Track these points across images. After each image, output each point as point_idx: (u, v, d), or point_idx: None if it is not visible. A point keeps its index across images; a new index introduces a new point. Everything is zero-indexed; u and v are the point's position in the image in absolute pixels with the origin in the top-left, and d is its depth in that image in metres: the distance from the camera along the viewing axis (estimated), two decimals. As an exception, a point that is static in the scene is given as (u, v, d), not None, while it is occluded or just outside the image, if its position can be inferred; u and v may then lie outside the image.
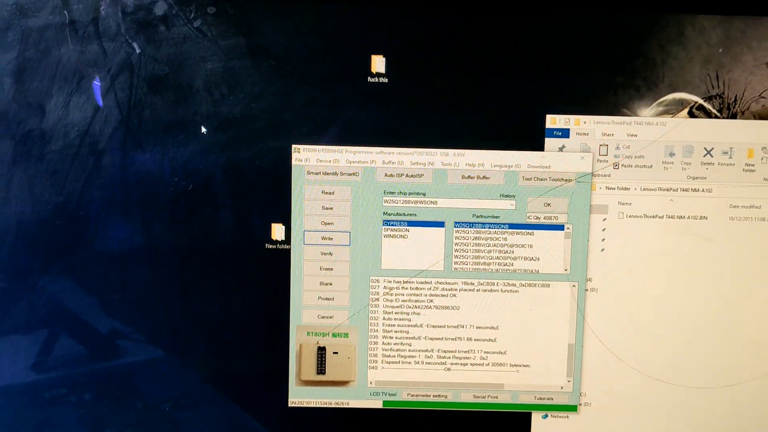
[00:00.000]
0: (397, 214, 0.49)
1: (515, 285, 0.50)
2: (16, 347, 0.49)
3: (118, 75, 0.47)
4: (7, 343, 0.49)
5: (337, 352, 0.50)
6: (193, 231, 0.48)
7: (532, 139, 0.48)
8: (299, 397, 0.50)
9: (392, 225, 0.49)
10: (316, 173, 0.48)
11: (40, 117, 0.47)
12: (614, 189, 0.49)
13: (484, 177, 0.49)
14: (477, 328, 0.50)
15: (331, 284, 0.49)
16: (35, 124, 0.47)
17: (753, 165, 0.48)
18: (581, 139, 0.48)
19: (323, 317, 0.50)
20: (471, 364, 0.50)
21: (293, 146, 0.48)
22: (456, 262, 0.49)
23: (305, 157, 0.48)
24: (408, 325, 0.50)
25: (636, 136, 0.48)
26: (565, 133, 0.48)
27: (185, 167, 0.48)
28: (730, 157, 0.48)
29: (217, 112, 0.47)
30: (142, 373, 0.50)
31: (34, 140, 0.47)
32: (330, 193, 0.49)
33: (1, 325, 0.48)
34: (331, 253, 0.49)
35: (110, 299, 0.49)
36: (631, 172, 0.48)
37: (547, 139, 0.48)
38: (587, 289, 0.49)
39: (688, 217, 0.49)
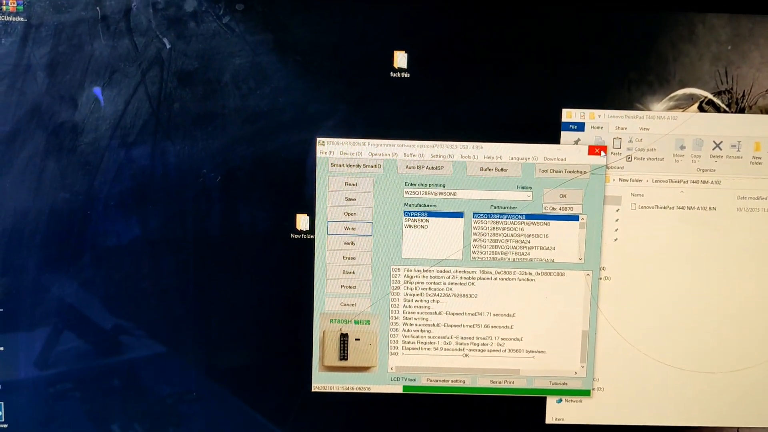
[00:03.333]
0: (418, 205, 0.51)
1: (531, 274, 0.51)
2: (50, 338, 0.50)
3: (148, 69, 0.48)
4: (40, 332, 0.50)
5: (359, 339, 0.52)
6: (221, 221, 0.50)
7: (548, 132, 0.50)
8: (322, 382, 0.52)
9: (413, 215, 0.51)
10: (340, 165, 0.50)
11: (72, 110, 0.48)
12: (627, 181, 0.51)
13: (501, 169, 0.50)
14: (494, 315, 0.52)
15: (353, 273, 0.51)
16: (67, 116, 0.48)
17: (760, 158, 0.50)
18: (596, 132, 0.50)
19: (346, 305, 0.51)
20: (488, 350, 0.52)
21: (318, 139, 0.50)
22: (474, 252, 0.51)
23: (329, 149, 0.50)
24: (428, 313, 0.52)
25: (648, 129, 0.50)
26: (580, 126, 0.50)
27: (213, 159, 0.49)
28: (738, 150, 0.50)
29: (244, 106, 0.49)
30: (164, 362, 0.51)
31: (66, 133, 0.49)
32: (353, 185, 0.50)
33: (34, 314, 0.50)
34: (353, 243, 0.51)
35: (140, 287, 0.50)
36: (643, 164, 0.50)
37: (563, 132, 0.50)
38: (601, 278, 0.51)
39: (698, 208, 0.51)
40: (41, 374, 0.50)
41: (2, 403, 0.50)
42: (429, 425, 0.53)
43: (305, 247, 0.50)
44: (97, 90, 0.48)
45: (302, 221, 0.50)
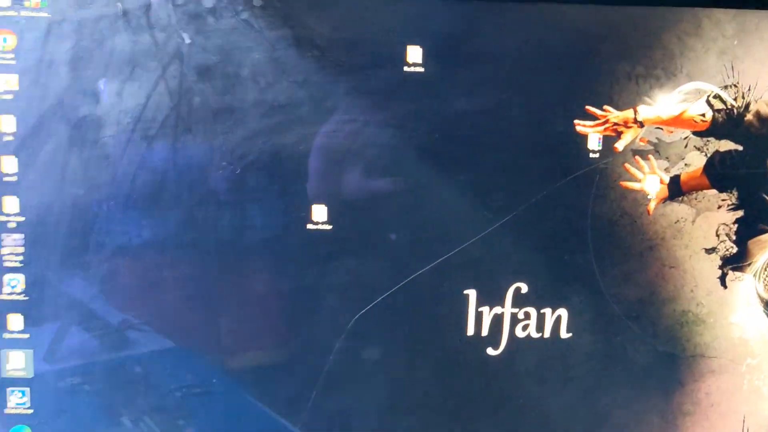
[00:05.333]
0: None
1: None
2: (69, 329, 0.52)
3: (169, 64, 0.49)
4: (62, 324, 0.52)
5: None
6: (239, 213, 0.51)
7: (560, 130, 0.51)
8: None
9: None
10: (355, 157, 0.51)
11: (94, 104, 0.50)
12: None
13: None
14: None
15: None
16: (90, 110, 0.50)
17: None
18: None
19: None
20: None
21: (334, 132, 0.51)
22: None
23: (345, 142, 0.51)
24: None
25: None
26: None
27: (232, 152, 0.50)
28: None
29: (262, 100, 0.50)
30: (183, 356, 0.53)
31: (89, 126, 0.50)
32: (368, 177, 0.52)
33: (58, 305, 0.51)
34: (368, 233, 0.52)
35: (162, 276, 0.52)
36: None
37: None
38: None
39: None
40: (64, 365, 0.52)
41: (28, 389, 0.52)
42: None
43: (322, 238, 0.52)
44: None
45: (318, 212, 0.52)
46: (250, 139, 0.51)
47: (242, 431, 0.54)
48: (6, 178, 0.50)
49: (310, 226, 0.52)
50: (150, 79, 0.50)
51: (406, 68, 0.50)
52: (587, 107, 0.51)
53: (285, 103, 0.50)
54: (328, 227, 0.52)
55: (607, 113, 0.51)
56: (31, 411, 0.52)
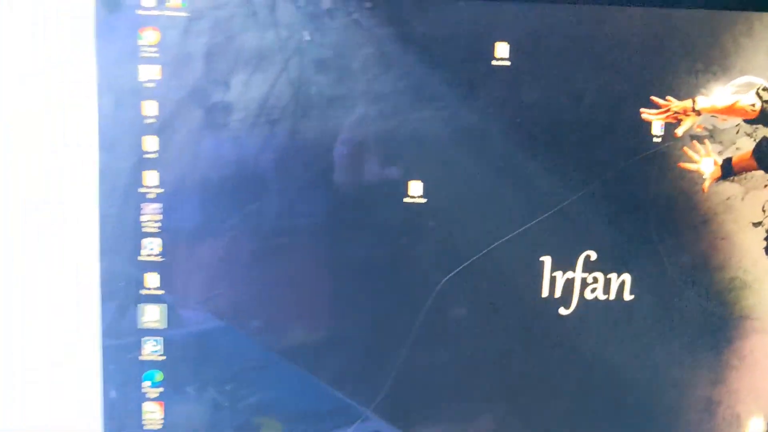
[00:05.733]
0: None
1: None
2: (202, 289, 0.60)
3: (290, 58, 0.57)
4: (197, 280, 0.59)
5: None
6: (347, 188, 0.59)
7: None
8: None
9: (508, 184, 0.60)
10: (448, 140, 0.59)
11: (225, 91, 0.57)
12: None
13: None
14: None
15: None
16: (221, 97, 0.57)
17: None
18: (667, 114, 0.59)
19: (450, 259, 0.60)
20: None
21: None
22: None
23: (439, 126, 0.59)
24: (519, 267, 0.61)
25: None
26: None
27: (343, 135, 0.58)
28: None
29: (370, 89, 0.58)
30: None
31: (219, 111, 0.57)
32: (458, 157, 0.59)
33: (189, 267, 0.59)
34: (457, 207, 0.60)
35: (275, 243, 0.59)
36: None
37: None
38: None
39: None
40: (192, 319, 0.60)
41: (162, 338, 0.59)
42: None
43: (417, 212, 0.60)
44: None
45: (414, 187, 0.59)
46: (358, 123, 0.58)
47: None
48: (148, 155, 0.58)
49: (406, 200, 0.59)
50: (274, 70, 0.57)
51: (494, 62, 0.58)
52: (652, 97, 0.58)
53: (389, 92, 0.58)
54: (423, 200, 0.59)
55: (669, 103, 0.58)
56: (163, 357, 0.60)
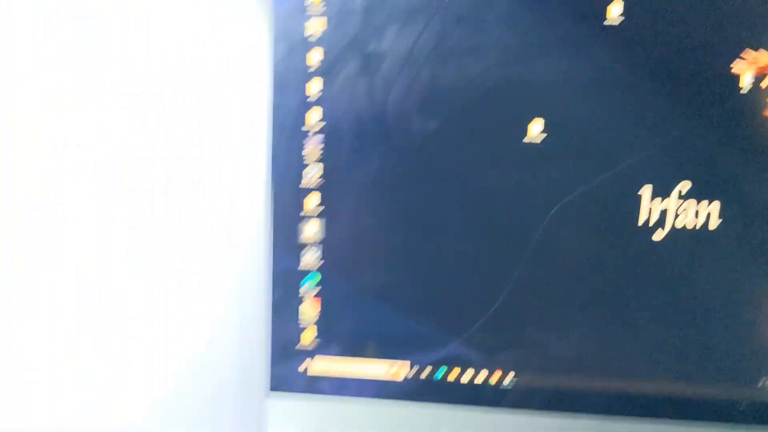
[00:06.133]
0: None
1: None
2: (360, 210, 0.71)
3: (434, 14, 0.68)
4: (351, 202, 0.71)
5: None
6: (475, 130, 0.70)
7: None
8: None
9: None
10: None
11: (378, 42, 0.68)
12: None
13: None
14: None
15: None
16: (375, 48, 0.68)
17: None
18: None
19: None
20: None
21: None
22: None
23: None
24: (620, 197, 0.71)
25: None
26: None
27: (476, 80, 0.69)
28: None
29: (500, 41, 0.68)
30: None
31: (381, 58, 0.68)
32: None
33: (345, 189, 0.70)
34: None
35: (411, 171, 0.70)
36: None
37: (731, 67, 0.68)
38: None
39: None
40: (350, 236, 0.71)
41: (321, 246, 0.71)
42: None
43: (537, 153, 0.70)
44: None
45: (534, 128, 0.70)
46: (488, 69, 0.69)
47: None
48: (311, 97, 0.69)
49: (525, 140, 0.70)
50: (419, 25, 0.68)
51: (605, 22, 0.68)
52: (743, 53, 0.68)
53: (515, 43, 0.68)
54: (540, 140, 0.70)
55: (759, 57, 0.68)
56: (322, 262, 0.72)
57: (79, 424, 0.73)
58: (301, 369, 0.74)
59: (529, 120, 0.70)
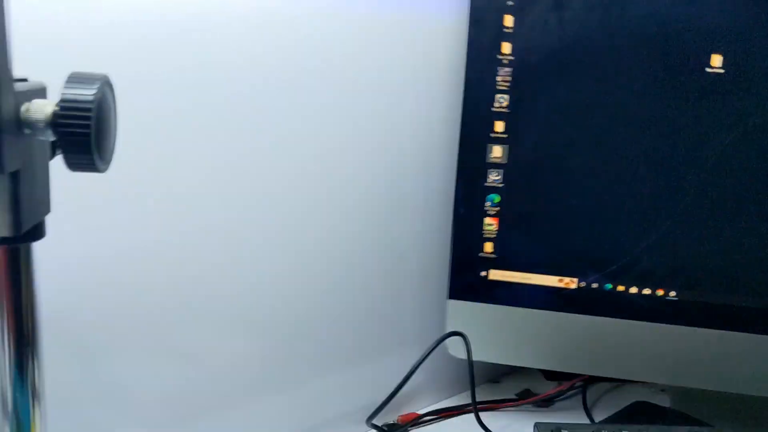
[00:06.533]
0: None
1: None
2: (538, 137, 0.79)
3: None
4: (537, 132, 0.79)
5: None
6: (653, 63, 0.74)
7: None
8: None
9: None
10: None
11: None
12: None
13: None
14: None
15: None
16: None
17: None
18: None
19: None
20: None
21: None
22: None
23: None
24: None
25: None
26: None
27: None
28: None
29: (688, -23, 0.72)
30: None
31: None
32: None
33: (530, 117, 0.78)
34: None
35: (596, 99, 0.77)
36: None
37: None
38: None
39: None
40: (530, 164, 0.79)
41: (502, 170, 0.80)
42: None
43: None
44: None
45: (715, 59, 0.74)
46: (673, 5, 0.73)
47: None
48: (506, 30, 0.76)
49: (708, 70, 0.74)
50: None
51: None
52: None
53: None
54: (722, 71, 0.74)
55: None
56: (502, 185, 0.80)
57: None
58: (481, 275, 0.83)
59: (709, 55, 0.74)
